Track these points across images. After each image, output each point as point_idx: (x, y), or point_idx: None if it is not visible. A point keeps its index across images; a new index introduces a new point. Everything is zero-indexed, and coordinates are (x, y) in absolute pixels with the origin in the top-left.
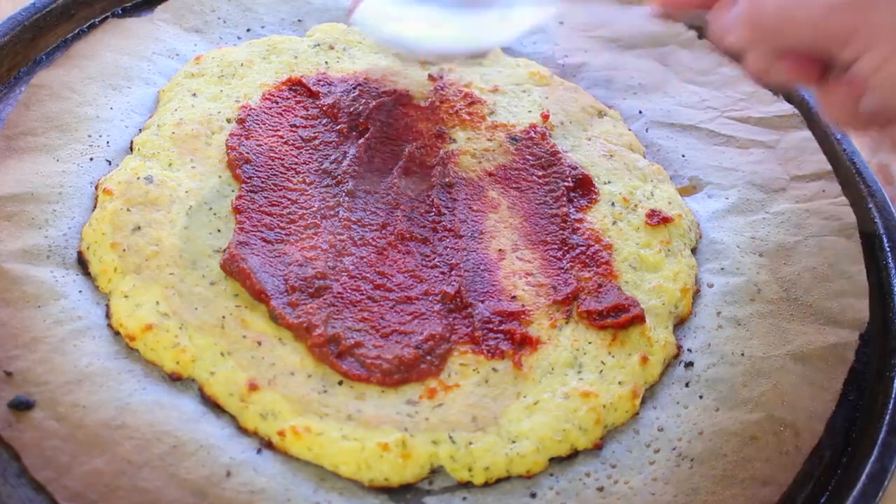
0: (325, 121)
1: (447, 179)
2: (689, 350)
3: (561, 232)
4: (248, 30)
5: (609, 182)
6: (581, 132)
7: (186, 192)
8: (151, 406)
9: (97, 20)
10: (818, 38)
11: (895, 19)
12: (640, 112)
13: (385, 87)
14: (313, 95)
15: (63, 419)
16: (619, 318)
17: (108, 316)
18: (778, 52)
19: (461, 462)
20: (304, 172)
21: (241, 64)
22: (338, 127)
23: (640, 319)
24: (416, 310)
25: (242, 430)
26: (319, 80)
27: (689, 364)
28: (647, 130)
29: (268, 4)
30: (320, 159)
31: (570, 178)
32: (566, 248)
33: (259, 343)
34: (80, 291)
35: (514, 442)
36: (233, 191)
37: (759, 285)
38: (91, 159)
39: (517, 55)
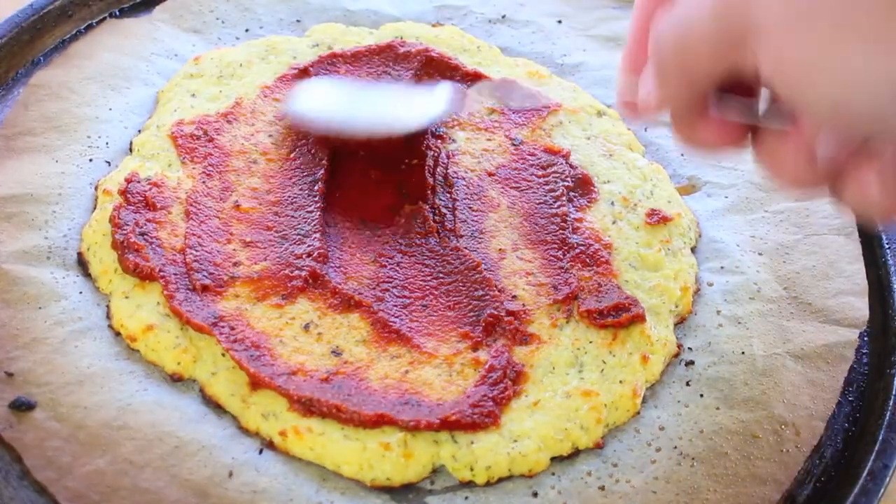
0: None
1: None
2: (690, 349)
3: (561, 231)
4: (247, 30)
5: (608, 181)
6: (580, 132)
7: (186, 192)
8: (153, 406)
9: (95, 21)
10: (716, 50)
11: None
12: None
13: None
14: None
15: (64, 420)
16: (619, 318)
17: (108, 317)
18: (692, 94)
19: (463, 461)
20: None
21: (240, 64)
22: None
23: (640, 318)
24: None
25: (244, 431)
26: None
27: (690, 363)
28: (646, 130)
29: (266, 5)
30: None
31: (569, 178)
32: (566, 247)
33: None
34: (81, 292)
35: (515, 441)
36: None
37: (759, 284)
38: (90, 160)
39: (516, 55)
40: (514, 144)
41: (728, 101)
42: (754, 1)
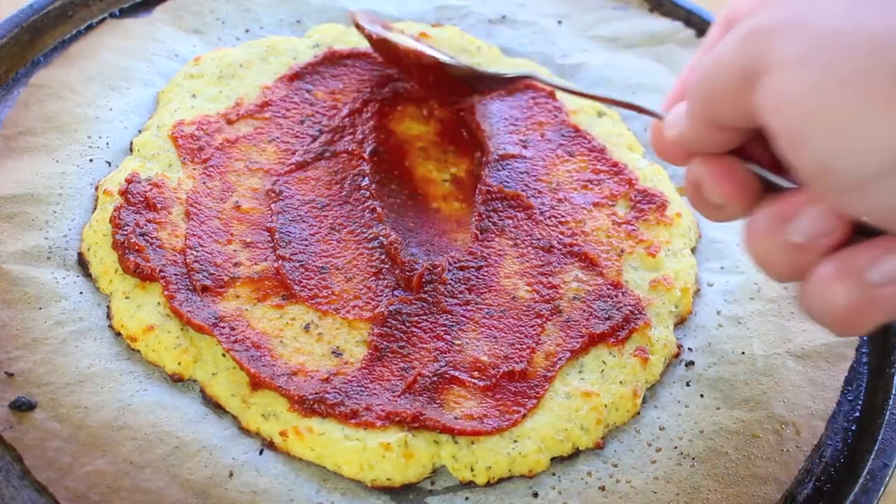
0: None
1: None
2: (690, 349)
3: (562, 235)
4: (247, 30)
5: None
6: None
7: (186, 193)
8: (153, 407)
9: (95, 21)
10: (736, 89)
11: (807, 40)
12: None
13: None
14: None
15: (65, 420)
16: (627, 331)
17: (109, 317)
18: (716, 136)
19: (463, 462)
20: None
21: (241, 65)
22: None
23: (646, 326)
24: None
25: (244, 431)
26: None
27: (690, 363)
28: (645, 130)
29: (266, 5)
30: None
31: None
32: (566, 248)
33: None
34: (81, 293)
35: (515, 441)
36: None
37: (759, 284)
38: (91, 160)
39: (516, 55)
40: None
41: (749, 162)
42: (776, 40)
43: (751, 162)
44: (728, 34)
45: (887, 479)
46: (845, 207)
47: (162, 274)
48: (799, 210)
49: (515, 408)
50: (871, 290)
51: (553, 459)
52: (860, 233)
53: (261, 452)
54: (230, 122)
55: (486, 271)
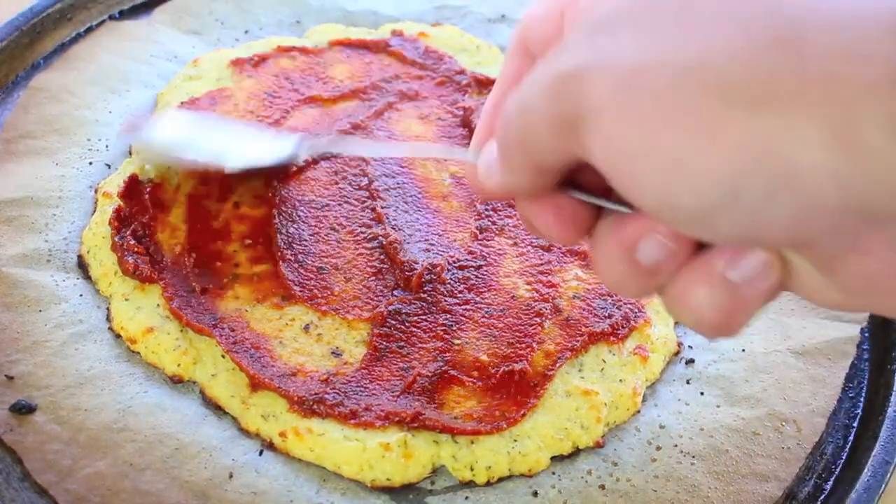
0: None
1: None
2: (690, 347)
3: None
4: (247, 31)
5: None
6: None
7: (185, 194)
8: (153, 409)
9: (94, 24)
10: (553, 134)
11: (615, 83)
12: None
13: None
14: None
15: (64, 423)
16: (627, 329)
17: (108, 319)
18: (536, 179)
19: (463, 461)
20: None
21: None
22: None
23: (646, 324)
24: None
25: (244, 432)
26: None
27: (690, 361)
28: None
29: (266, 6)
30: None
31: None
32: (566, 247)
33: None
34: (81, 295)
35: (515, 441)
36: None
37: None
38: (90, 163)
39: None
40: None
41: (574, 190)
42: (586, 85)
43: (579, 189)
44: (532, 75)
45: (888, 476)
46: (691, 235)
47: (161, 275)
48: (642, 236)
49: (515, 407)
50: (734, 291)
51: (553, 458)
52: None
53: (260, 453)
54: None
55: (486, 270)
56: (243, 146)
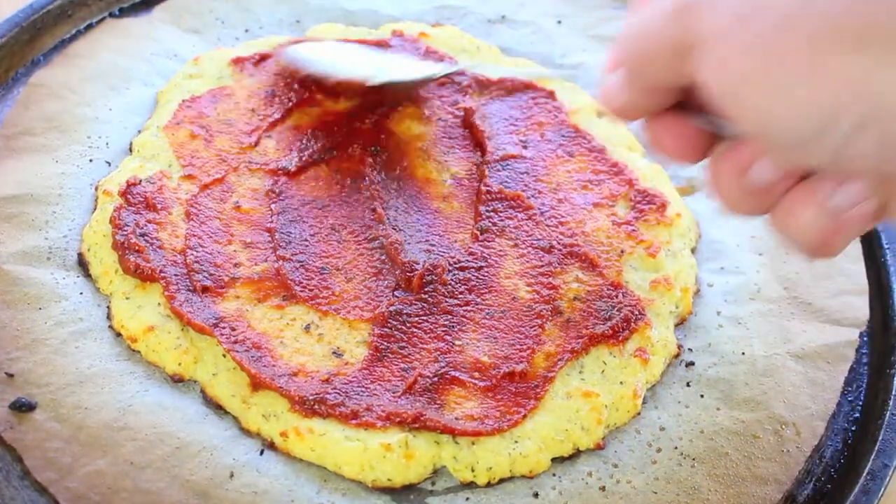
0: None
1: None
2: (690, 349)
3: (562, 235)
4: (247, 30)
5: None
6: None
7: (186, 193)
8: (153, 407)
9: (94, 21)
10: (668, 58)
11: (730, 16)
12: None
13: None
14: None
15: (65, 421)
16: (627, 331)
17: (109, 318)
18: (653, 99)
19: (464, 462)
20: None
21: None
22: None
23: (646, 326)
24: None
25: (245, 432)
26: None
27: (690, 364)
28: None
29: (266, 5)
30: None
31: None
32: (566, 249)
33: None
34: (81, 293)
35: (516, 442)
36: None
37: (759, 284)
38: (90, 161)
39: (516, 55)
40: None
41: (694, 114)
42: (706, 11)
43: (698, 112)
44: (651, 3)
45: (887, 479)
46: (792, 161)
47: (162, 274)
48: (755, 159)
49: (516, 408)
50: (837, 215)
51: (554, 460)
52: None
53: (261, 453)
54: (230, 123)
55: (487, 272)
56: (386, 65)
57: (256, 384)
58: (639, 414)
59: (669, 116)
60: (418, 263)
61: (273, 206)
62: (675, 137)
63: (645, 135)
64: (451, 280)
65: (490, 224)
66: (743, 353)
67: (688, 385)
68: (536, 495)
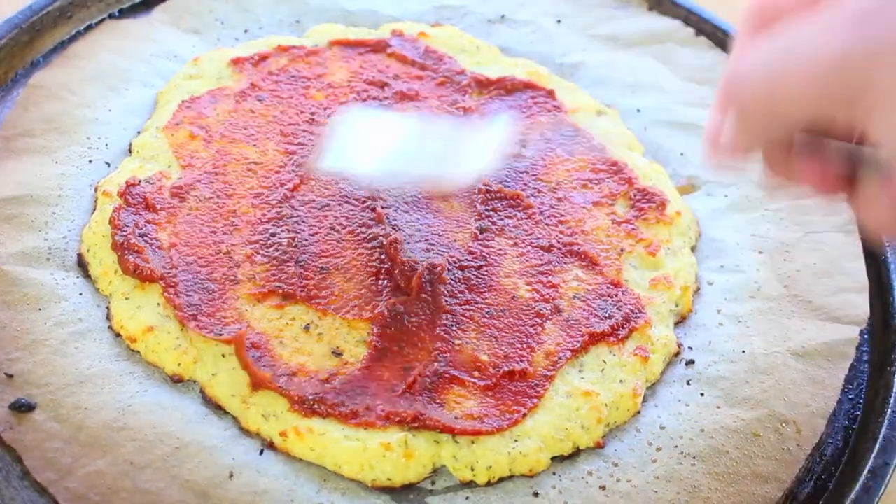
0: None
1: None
2: (690, 348)
3: (562, 235)
4: (246, 31)
5: None
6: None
7: (185, 193)
8: (153, 408)
9: (94, 22)
10: (817, 101)
11: None
12: (639, 110)
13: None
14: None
15: (64, 421)
16: (627, 330)
17: (108, 318)
18: (772, 136)
19: (463, 461)
20: None
21: None
22: None
23: (646, 324)
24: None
25: (244, 431)
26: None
27: (690, 362)
28: (645, 129)
29: (266, 5)
30: None
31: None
32: (566, 248)
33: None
34: (81, 294)
35: (516, 441)
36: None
37: (760, 282)
38: (90, 161)
39: (515, 55)
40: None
41: (819, 143)
42: (887, 66)
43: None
44: (782, 46)
45: (888, 477)
46: None
47: (161, 275)
48: None
49: (516, 407)
50: None
51: (554, 459)
52: None
53: (261, 453)
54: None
55: (486, 271)
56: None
57: (256, 384)
58: (639, 412)
59: (789, 147)
60: (418, 263)
61: (272, 206)
62: (817, 174)
63: (769, 170)
64: (451, 279)
65: (490, 223)
66: (743, 352)
67: (688, 383)
68: (536, 494)
